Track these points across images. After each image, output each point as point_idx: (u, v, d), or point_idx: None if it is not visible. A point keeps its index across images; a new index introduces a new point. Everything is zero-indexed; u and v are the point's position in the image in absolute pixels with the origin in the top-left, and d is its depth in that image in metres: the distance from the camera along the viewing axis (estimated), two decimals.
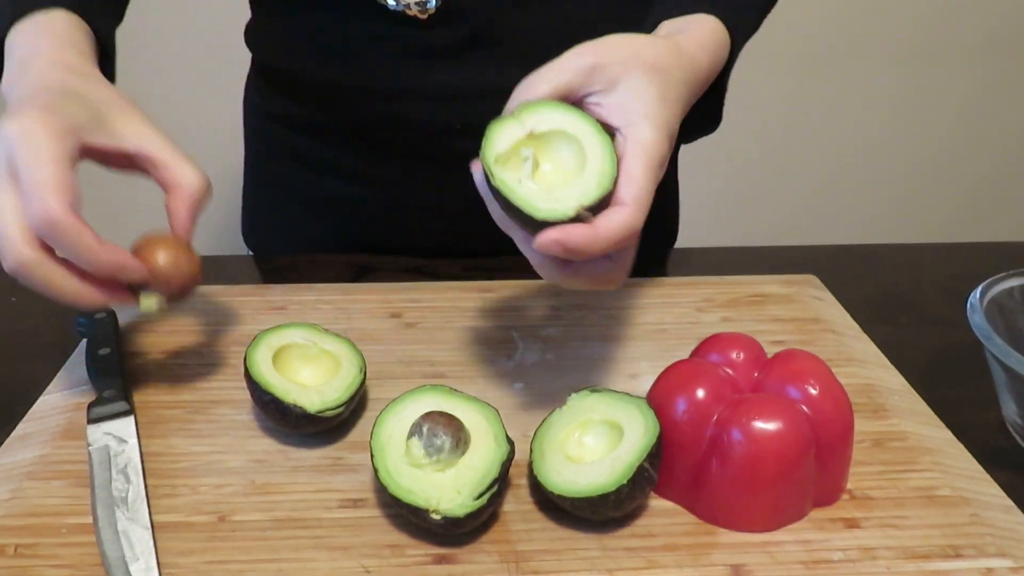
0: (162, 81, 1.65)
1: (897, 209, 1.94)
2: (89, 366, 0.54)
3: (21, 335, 0.63)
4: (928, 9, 1.72)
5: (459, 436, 0.44)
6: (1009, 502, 0.47)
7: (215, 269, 0.73)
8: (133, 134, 0.49)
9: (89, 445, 0.48)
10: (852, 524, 0.45)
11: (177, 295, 0.49)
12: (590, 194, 0.40)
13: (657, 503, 0.46)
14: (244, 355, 0.50)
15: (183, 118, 1.79)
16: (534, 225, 0.41)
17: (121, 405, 0.50)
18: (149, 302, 0.48)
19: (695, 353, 0.50)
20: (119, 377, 0.53)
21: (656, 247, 0.86)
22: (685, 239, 1.99)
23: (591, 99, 0.45)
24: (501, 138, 0.43)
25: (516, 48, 0.68)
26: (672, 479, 0.45)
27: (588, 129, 0.43)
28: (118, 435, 0.49)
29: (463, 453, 0.44)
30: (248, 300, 0.65)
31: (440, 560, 0.42)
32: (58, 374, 0.56)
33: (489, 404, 0.47)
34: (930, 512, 0.45)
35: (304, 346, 0.53)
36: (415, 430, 0.44)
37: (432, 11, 0.64)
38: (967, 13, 1.73)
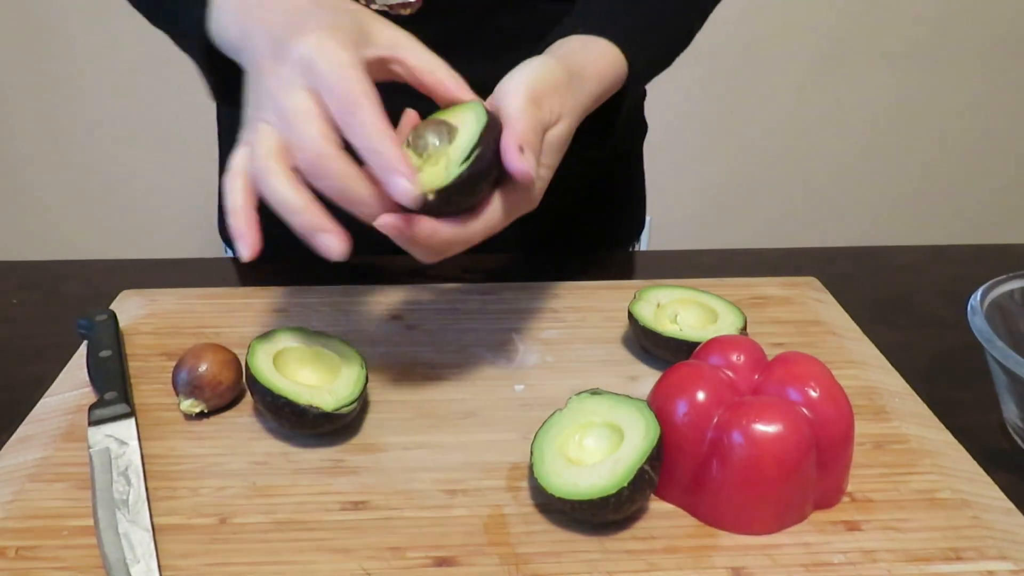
0: (132, 80, 1.64)
1: (897, 211, 1.94)
2: (90, 368, 0.54)
3: (22, 337, 0.63)
4: (929, 13, 1.72)
5: (440, 130, 0.47)
6: (1010, 504, 0.47)
7: (199, 272, 0.73)
8: (388, 41, 0.49)
9: (90, 447, 0.48)
10: (853, 527, 0.45)
11: (216, 401, 0.52)
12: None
13: (657, 505, 0.46)
14: (245, 362, 0.50)
15: (156, 117, 1.78)
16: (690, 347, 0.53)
17: (122, 407, 0.50)
18: (188, 404, 0.51)
19: (695, 355, 0.50)
20: (120, 379, 0.53)
21: (621, 239, 0.88)
22: (686, 241, 1.99)
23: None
24: (645, 311, 0.59)
25: (499, 46, 0.69)
26: (672, 481, 0.45)
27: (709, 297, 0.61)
28: (119, 437, 0.49)
29: (450, 143, 0.46)
30: (250, 302, 0.65)
31: (441, 562, 0.42)
32: (59, 376, 0.57)
33: (475, 101, 0.49)
34: (931, 515, 0.45)
35: (299, 349, 0.53)
36: (407, 141, 0.47)
37: (414, 11, 0.64)
38: (967, 17, 1.73)
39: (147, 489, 0.46)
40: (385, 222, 0.45)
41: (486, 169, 0.46)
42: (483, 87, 0.72)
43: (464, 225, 0.47)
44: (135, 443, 0.48)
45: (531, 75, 0.49)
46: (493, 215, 0.48)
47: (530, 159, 0.46)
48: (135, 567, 0.41)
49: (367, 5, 0.65)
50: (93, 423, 0.49)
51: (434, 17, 0.66)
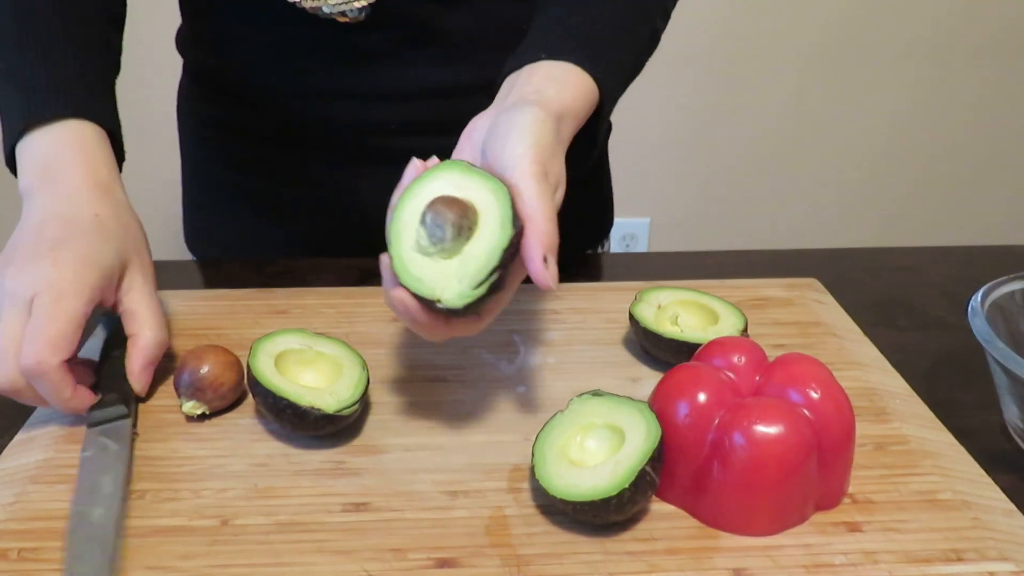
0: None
1: (898, 212, 1.94)
2: (100, 364, 0.54)
3: None
4: (930, 13, 1.72)
5: (462, 224, 0.43)
6: (1011, 506, 0.47)
7: (200, 274, 0.74)
8: (135, 298, 0.54)
9: (84, 450, 0.48)
10: (854, 528, 0.45)
11: (217, 403, 0.52)
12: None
13: (659, 507, 0.46)
14: (247, 364, 0.50)
15: (134, 120, 1.77)
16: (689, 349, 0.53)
17: (120, 409, 0.50)
18: (190, 405, 0.51)
19: (696, 357, 0.50)
20: (124, 381, 0.53)
21: (588, 241, 0.88)
22: (686, 242, 1.99)
23: None
24: (646, 312, 0.59)
25: (450, 50, 0.69)
26: (674, 483, 0.45)
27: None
28: (112, 439, 0.49)
29: (468, 239, 0.43)
30: (251, 304, 0.65)
31: (442, 564, 0.42)
32: None
33: (502, 183, 0.45)
34: (932, 516, 0.45)
35: (300, 351, 0.53)
36: (423, 218, 0.44)
37: (361, 18, 0.65)
38: (969, 17, 1.73)
39: (130, 494, 0.45)
40: (397, 296, 0.44)
41: (500, 284, 0.44)
42: (437, 93, 0.72)
43: (469, 324, 0.46)
44: (125, 445, 0.48)
45: (533, 141, 0.46)
46: (498, 308, 0.47)
47: (553, 267, 0.44)
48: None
49: (315, 13, 0.65)
50: (92, 424, 0.49)
51: (382, 23, 0.66)
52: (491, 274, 0.42)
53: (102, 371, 0.54)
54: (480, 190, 0.45)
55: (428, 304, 0.43)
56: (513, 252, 0.43)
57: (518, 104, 0.48)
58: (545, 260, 0.43)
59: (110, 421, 0.50)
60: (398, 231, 0.45)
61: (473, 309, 0.43)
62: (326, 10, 0.64)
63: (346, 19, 0.65)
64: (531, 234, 0.43)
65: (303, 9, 0.65)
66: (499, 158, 0.46)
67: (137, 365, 0.53)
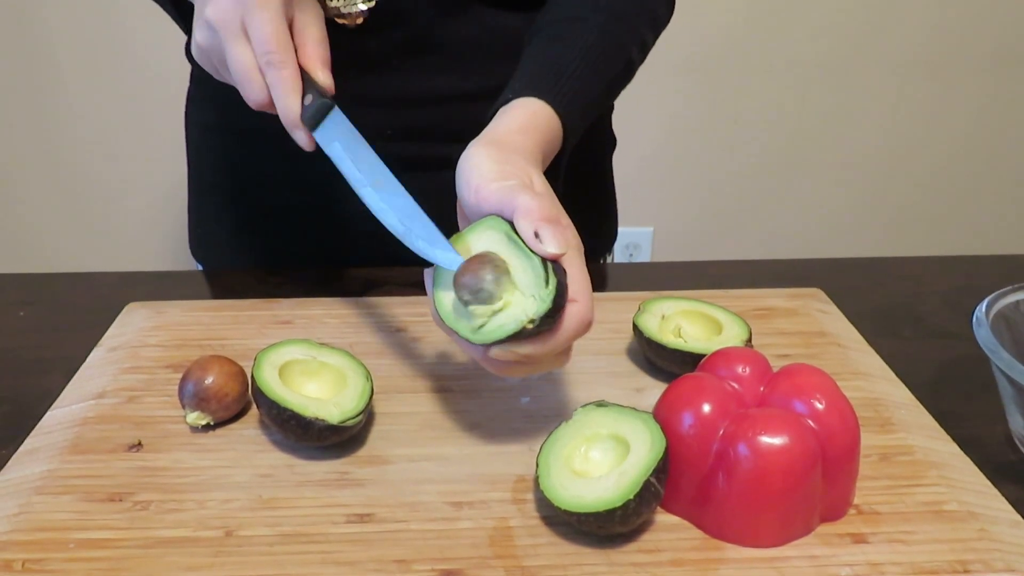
0: (103, 97, 1.63)
1: (902, 222, 1.94)
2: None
3: (29, 349, 0.63)
4: (933, 21, 1.72)
5: (492, 263, 0.44)
6: (1017, 517, 0.47)
7: (204, 284, 0.74)
8: (308, 20, 0.56)
9: (325, 145, 0.54)
10: (859, 539, 0.44)
11: (222, 413, 0.52)
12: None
13: (663, 518, 0.46)
14: (251, 375, 0.51)
15: (127, 133, 1.76)
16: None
17: (325, 102, 0.54)
18: (194, 416, 0.52)
19: (701, 367, 0.50)
20: (311, 85, 0.54)
21: (592, 253, 0.88)
22: (690, 252, 1.99)
23: None
24: (649, 323, 0.59)
25: (447, 57, 0.70)
26: (678, 494, 0.45)
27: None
28: (337, 127, 0.54)
29: (507, 272, 0.44)
30: (255, 314, 0.65)
31: (446, 575, 0.42)
32: (65, 388, 0.57)
33: (484, 218, 0.47)
34: (938, 527, 0.45)
35: (304, 361, 0.53)
36: (464, 299, 0.44)
37: (360, 21, 0.65)
38: (972, 26, 1.73)
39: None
40: (497, 354, 0.44)
41: (563, 277, 0.44)
42: (435, 100, 0.73)
43: (555, 336, 0.44)
44: (350, 127, 0.54)
45: (475, 172, 0.48)
46: (577, 324, 0.45)
47: (547, 235, 0.44)
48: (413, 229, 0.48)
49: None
50: (312, 125, 0.54)
51: (382, 28, 0.67)
52: (545, 269, 0.43)
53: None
54: (480, 239, 0.47)
55: (521, 335, 0.43)
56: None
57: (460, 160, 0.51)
58: (536, 234, 0.44)
59: (323, 115, 0.54)
60: (465, 326, 0.45)
61: (560, 304, 0.43)
62: (333, 10, 0.65)
63: (344, 21, 0.65)
64: (516, 219, 0.45)
65: None
66: (471, 206, 0.48)
67: (316, 65, 0.55)
